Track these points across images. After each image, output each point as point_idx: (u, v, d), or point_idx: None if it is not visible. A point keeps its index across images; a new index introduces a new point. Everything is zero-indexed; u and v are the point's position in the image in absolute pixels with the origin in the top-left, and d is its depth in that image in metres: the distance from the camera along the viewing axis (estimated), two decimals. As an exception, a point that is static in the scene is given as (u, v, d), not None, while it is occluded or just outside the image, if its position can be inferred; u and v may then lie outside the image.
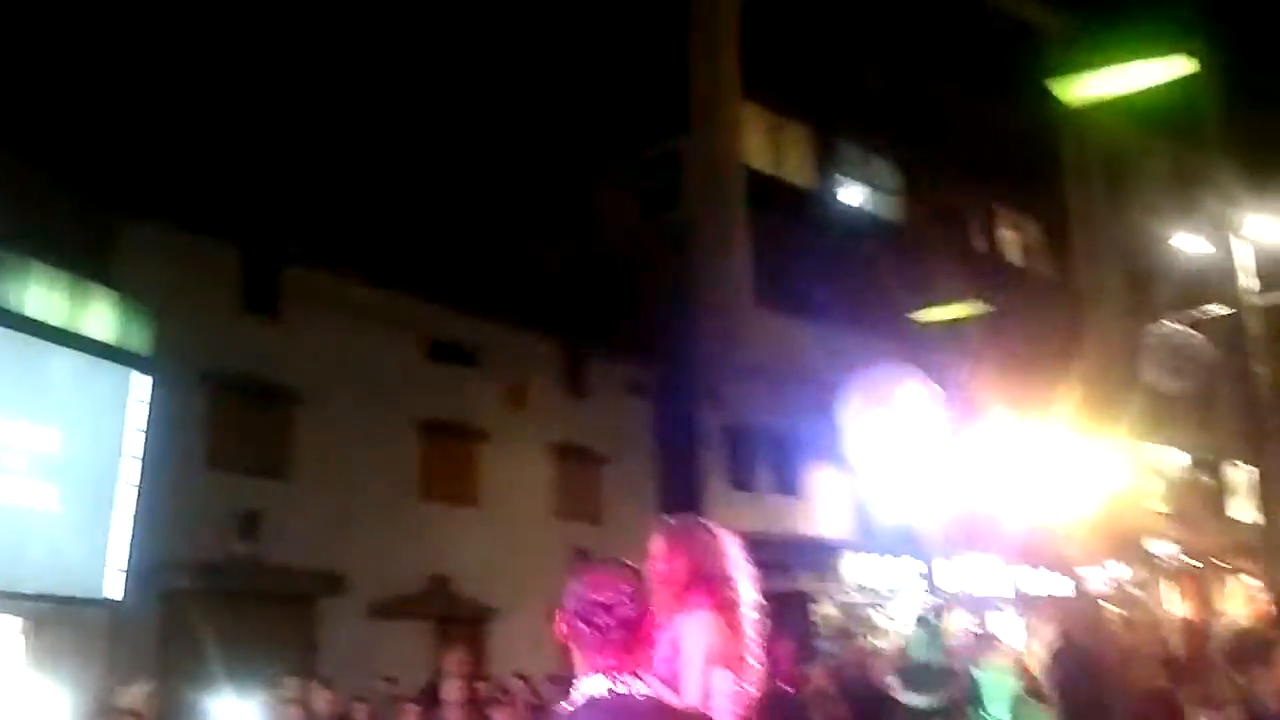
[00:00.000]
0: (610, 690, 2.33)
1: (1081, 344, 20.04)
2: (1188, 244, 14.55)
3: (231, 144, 14.68)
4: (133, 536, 11.54)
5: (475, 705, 10.45)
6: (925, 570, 21.74)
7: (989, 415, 10.18)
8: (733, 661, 3.54)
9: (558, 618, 2.49)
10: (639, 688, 2.35)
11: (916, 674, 6.25)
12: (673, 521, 3.91)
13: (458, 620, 16.21)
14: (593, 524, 18.61)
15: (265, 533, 14.21)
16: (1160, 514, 24.70)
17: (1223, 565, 28.58)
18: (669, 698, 2.50)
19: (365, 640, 14.31)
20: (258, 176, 14.69)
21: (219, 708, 8.14)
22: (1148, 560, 23.94)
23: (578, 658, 2.42)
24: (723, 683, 3.49)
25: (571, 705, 2.38)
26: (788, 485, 21.76)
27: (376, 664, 13.10)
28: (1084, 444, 18.82)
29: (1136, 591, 18.43)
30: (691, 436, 19.47)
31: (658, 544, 3.76)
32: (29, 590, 10.74)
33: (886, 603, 21.95)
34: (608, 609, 2.38)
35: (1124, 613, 16.58)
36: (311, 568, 14.48)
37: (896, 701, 6.03)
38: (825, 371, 19.21)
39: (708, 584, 3.67)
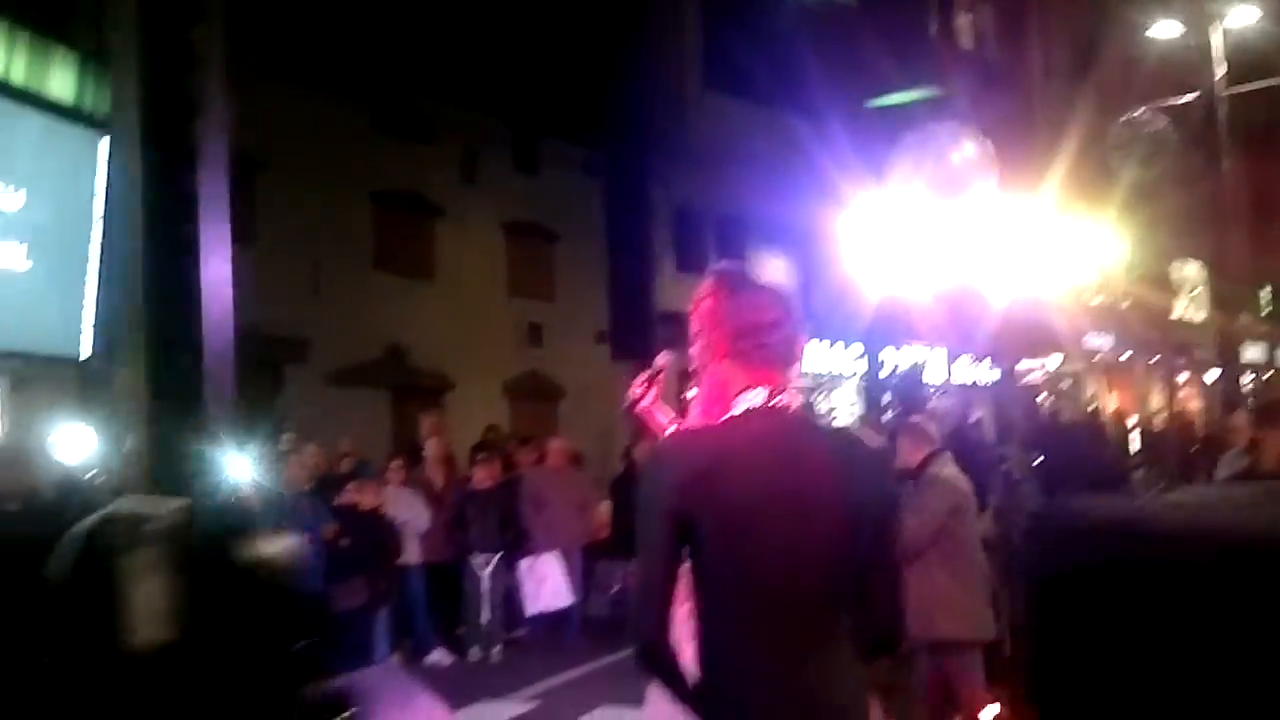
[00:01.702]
0: (767, 402, 2.42)
1: (1036, 133, 20.28)
2: (1163, 31, 14.67)
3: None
4: (101, 296, 11.63)
5: (451, 462, 10.99)
6: (866, 356, 22.53)
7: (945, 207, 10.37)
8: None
9: (700, 339, 2.65)
10: (793, 402, 2.46)
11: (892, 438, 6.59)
12: (722, 266, 4.11)
13: (415, 390, 16.62)
14: (545, 300, 18.95)
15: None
16: (1100, 307, 25.48)
17: (1160, 363, 29.77)
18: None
19: (327, 407, 14.63)
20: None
21: (220, 457, 8.42)
22: (1083, 355, 24.85)
23: (716, 381, 2.54)
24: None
25: (724, 417, 2.47)
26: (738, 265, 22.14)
27: (338, 430, 13.53)
28: (1038, 236, 19.30)
29: (1068, 384, 19.19)
30: (641, 217, 19.62)
31: (707, 285, 3.93)
32: (2, 348, 10.88)
33: (831, 389, 22.76)
34: (772, 326, 2.46)
35: (1055, 402, 17.34)
36: (276, 334, 14.64)
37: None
38: (774, 156, 19.47)
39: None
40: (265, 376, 14.81)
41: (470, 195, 17.70)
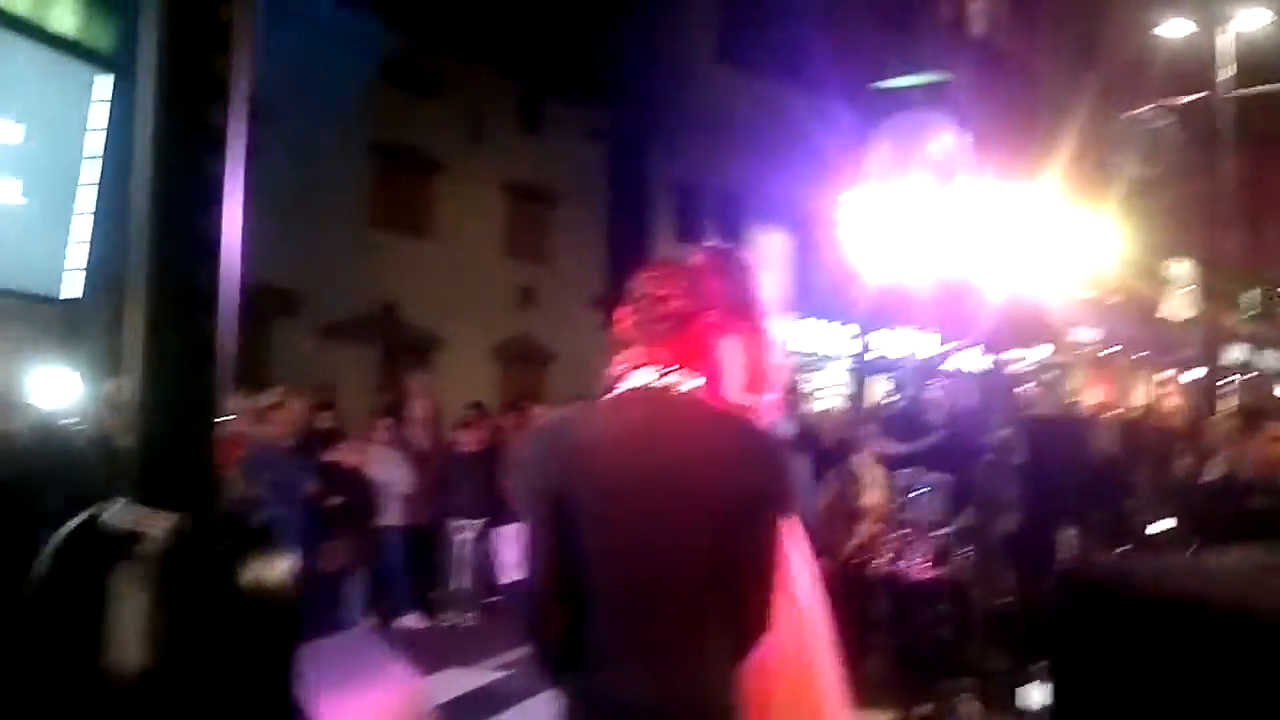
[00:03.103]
0: (652, 381, 2.34)
1: (1043, 126, 20.18)
2: (1173, 30, 14.61)
3: None
4: (93, 236, 11.54)
5: (437, 424, 10.93)
6: (859, 338, 22.52)
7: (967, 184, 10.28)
8: (764, 386, 3.72)
9: (618, 316, 2.53)
10: (683, 383, 2.35)
11: (895, 423, 6.61)
12: (714, 245, 4.05)
13: (405, 347, 16.54)
14: (541, 264, 18.86)
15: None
16: (1090, 301, 25.48)
17: (1144, 360, 29.85)
18: (710, 398, 2.53)
19: (316, 360, 14.55)
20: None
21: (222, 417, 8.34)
22: (1070, 347, 24.86)
23: (636, 354, 2.42)
24: (754, 398, 3.67)
25: (613, 395, 2.39)
26: (733, 242, 22.07)
27: (326, 385, 13.44)
28: (1037, 229, 19.21)
29: (1053, 375, 19.18)
30: (643, 186, 19.54)
31: (699, 260, 3.86)
32: (-12, 283, 10.80)
33: (818, 367, 22.72)
34: (663, 300, 2.37)
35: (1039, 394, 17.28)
36: (266, 284, 14.52)
37: (875, 452, 6.37)
38: (779, 133, 19.34)
39: (747, 311, 3.81)
40: (254, 328, 14.71)
41: (472, 153, 17.54)
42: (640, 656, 2.24)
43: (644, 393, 2.35)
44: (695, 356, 2.40)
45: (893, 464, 6.16)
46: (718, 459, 2.28)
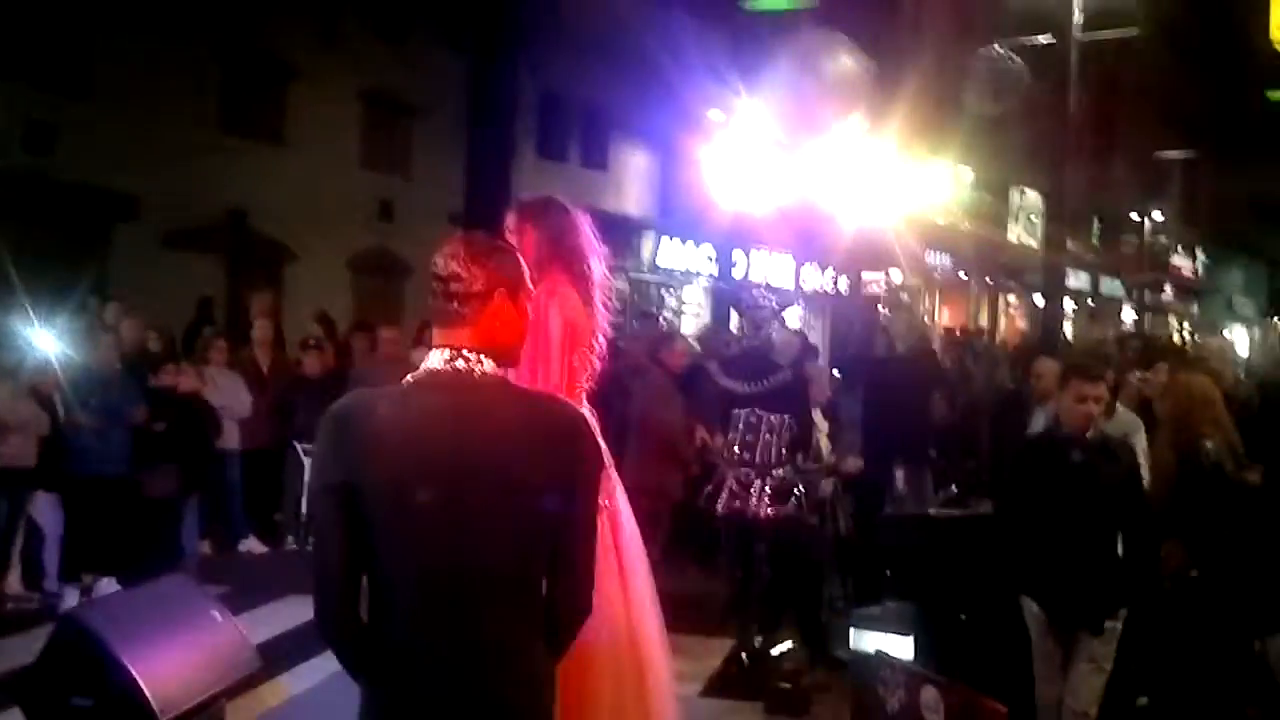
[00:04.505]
0: (448, 365, 2.24)
1: (906, 59, 20.31)
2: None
3: None
4: None
5: (280, 345, 10.62)
6: (718, 257, 22.62)
7: (813, 119, 10.20)
8: (587, 339, 3.63)
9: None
10: (484, 365, 2.25)
11: (737, 361, 6.59)
12: (526, 198, 3.93)
13: (254, 258, 16.00)
14: (400, 177, 18.40)
15: (57, 149, 13.46)
16: (941, 227, 26.04)
17: (994, 283, 30.75)
18: (514, 380, 2.41)
19: (158, 270, 13.99)
20: None
21: (22, 331, 7.95)
22: (924, 271, 25.43)
23: (435, 335, 2.32)
24: (580, 360, 3.58)
25: (409, 380, 2.28)
26: (597, 160, 21.88)
27: (169, 295, 12.95)
28: (896, 156, 19.55)
29: (906, 298, 19.59)
30: (506, 99, 19.10)
31: (511, 219, 3.75)
32: None
33: (680, 286, 22.80)
34: (445, 281, 2.26)
35: (892, 315, 17.69)
36: (105, 188, 13.88)
37: (716, 384, 6.36)
38: (646, 50, 19.08)
39: (565, 260, 3.69)
40: (92, 234, 14.06)
41: (328, 59, 16.92)
42: (446, 658, 2.14)
43: (436, 377, 2.24)
44: (495, 334, 2.28)
45: (735, 403, 6.15)
46: (513, 441, 2.18)
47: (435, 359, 2.26)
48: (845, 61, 9.91)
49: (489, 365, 2.25)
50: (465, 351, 2.25)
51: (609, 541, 3.40)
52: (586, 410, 3.55)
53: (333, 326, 11.89)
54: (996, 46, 13.21)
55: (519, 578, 2.18)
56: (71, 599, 7.42)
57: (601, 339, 3.69)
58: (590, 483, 2.30)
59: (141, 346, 8.86)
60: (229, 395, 9.13)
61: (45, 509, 7.71)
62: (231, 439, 9.18)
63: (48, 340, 8.00)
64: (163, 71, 14.38)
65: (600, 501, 2.84)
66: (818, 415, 7.34)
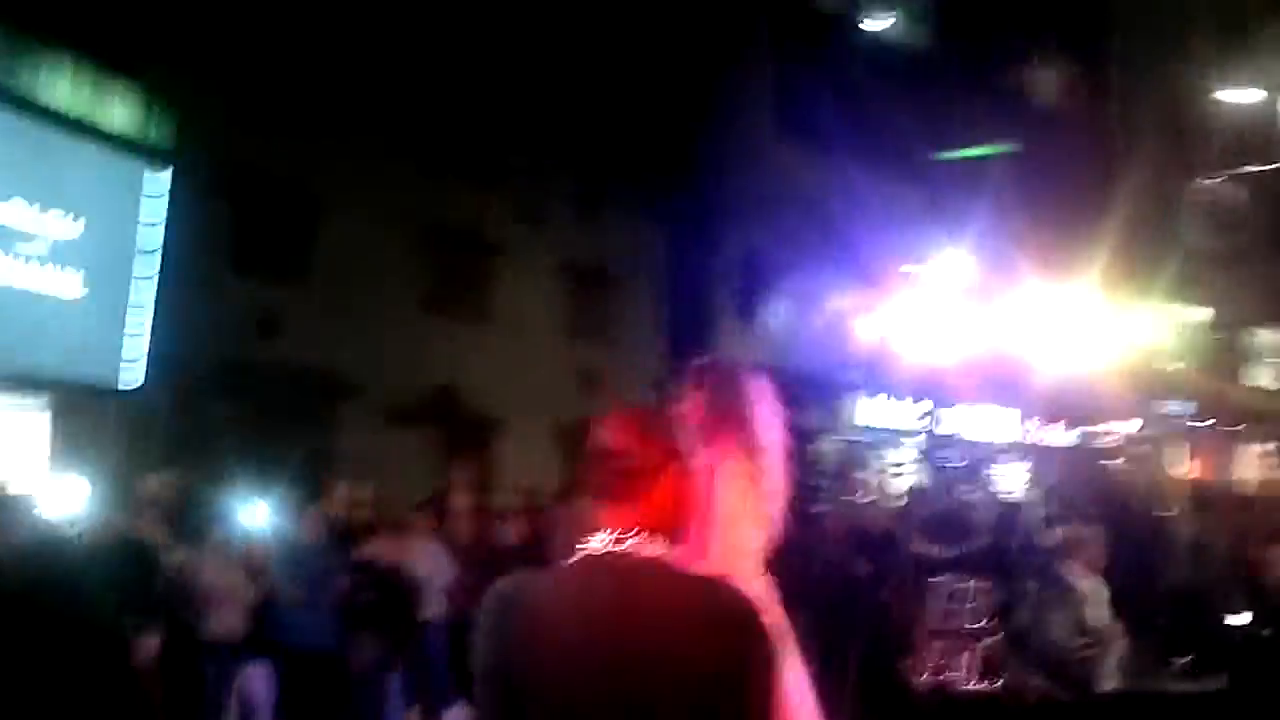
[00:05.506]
0: (613, 546, 2.11)
1: (1112, 196, 19.76)
2: (1236, 97, 14.23)
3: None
4: (151, 330, 11.70)
5: (482, 516, 10.78)
6: (931, 415, 22.04)
7: (1013, 265, 9.93)
8: (757, 512, 3.47)
9: (580, 470, 2.29)
10: (647, 549, 2.12)
11: (935, 524, 6.29)
12: (698, 360, 3.82)
13: (465, 431, 16.48)
14: (603, 346, 18.74)
15: (283, 335, 14.32)
16: (1176, 374, 24.71)
17: (1236, 430, 28.81)
18: (682, 559, 2.24)
19: (377, 446, 14.53)
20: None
21: (238, 505, 8.32)
22: (1160, 420, 24.10)
23: (598, 514, 2.19)
24: (750, 533, 3.42)
25: (573, 560, 2.15)
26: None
27: (386, 472, 13.38)
28: (1107, 299, 18.81)
29: (1144, 449, 18.52)
30: (703, 264, 19.42)
31: (683, 385, 3.66)
32: (49, 376, 10.95)
33: (889, 448, 22.22)
34: (616, 457, 2.15)
35: (1130, 469, 16.76)
36: (326, 371, 14.64)
37: (912, 553, 6.08)
38: (843, 206, 19.15)
39: (734, 426, 3.57)
40: (319, 415, 14.79)
41: (530, 236, 17.58)
42: None
43: (598, 560, 2.12)
44: (663, 514, 2.16)
45: (932, 568, 5.84)
46: (678, 630, 2.03)
47: (598, 539, 2.14)
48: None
49: (652, 547, 2.13)
50: (632, 532, 2.13)
51: None
52: (762, 585, 3.39)
53: (534, 497, 12.01)
54: (1217, 178, 12.61)
55: None
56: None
57: (779, 508, 3.53)
58: (762, 676, 2.10)
59: (350, 519, 9.11)
60: (431, 565, 9.25)
61: (256, 679, 7.88)
62: (434, 609, 9.26)
63: (263, 514, 8.34)
64: (373, 253, 15.20)
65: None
66: (1095, 582, 6.54)
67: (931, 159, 18.35)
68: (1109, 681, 6.27)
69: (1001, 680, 5.78)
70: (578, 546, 2.15)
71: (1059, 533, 7.11)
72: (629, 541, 2.11)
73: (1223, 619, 8.63)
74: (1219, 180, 12.58)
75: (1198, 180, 12.91)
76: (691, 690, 1.99)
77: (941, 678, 5.75)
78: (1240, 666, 4.75)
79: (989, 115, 20.81)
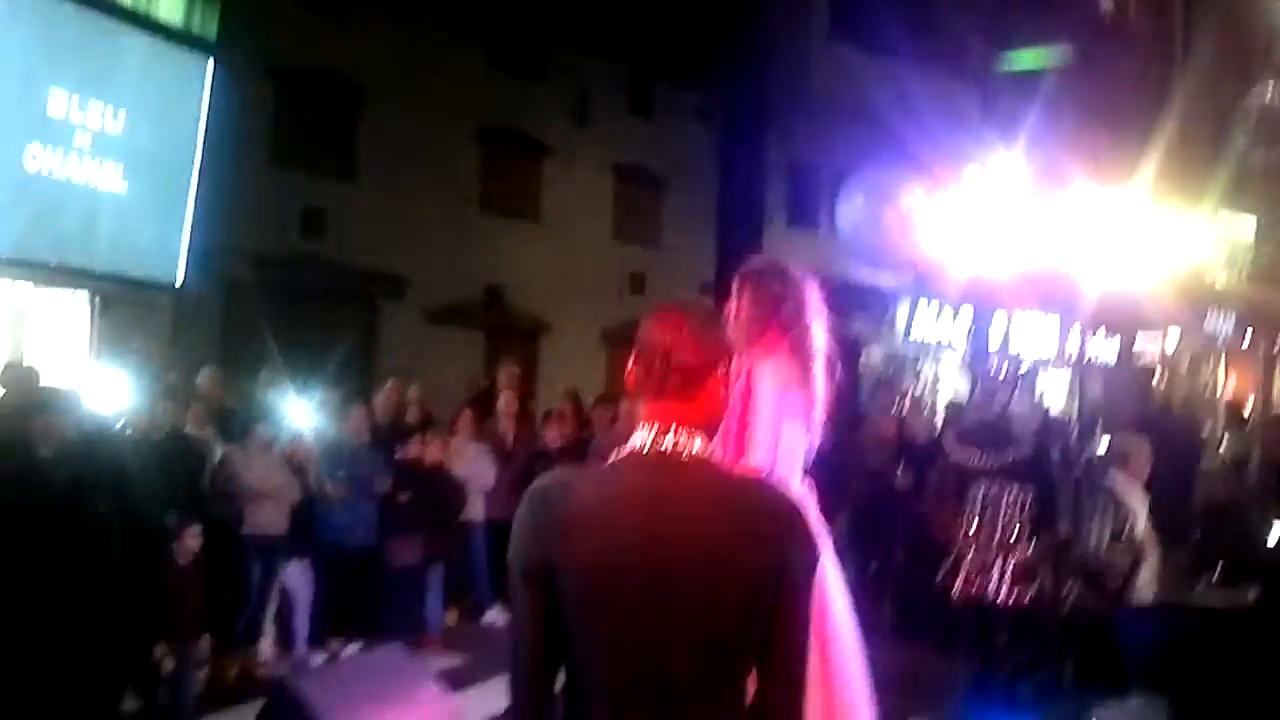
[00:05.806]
0: (656, 442, 2.08)
1: (1167, 103, 19.23)
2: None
3: None
4: (195, 224, 11.71)
5: (526, 417, 10.81)
6: (976, 325, 21.79)
7: (1065, 171, 9.68)
8: (803, 412, 3.46)
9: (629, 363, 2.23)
10: (691, 445, 2.08)
11: (976, 433, 6.23)
12: (750, 262, 3.77)
13: (511, 332, 16.52)
14: (650, 249, 18.65)
15: (327, 230, 14.33)
16: (1223, 287, 24.25)
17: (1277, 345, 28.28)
18: (726, 458, 2.27)
19: (420, 345, 14.61)
20: None
21: (280, 401, 8.39)
22: (1202, 334, 23.71)
23: (639, 406, 2.15)
24: (792, 435, 3.40)
25: (615, 457, 2.11)
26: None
27: (430, 369, 13.46)
28: (1158, 207, 18.33)
29: (1187, 363, 18.24)
30: (754, 168, 19.13)
31: (734, 285, 3.64)
32: (99, 269, 11.01)
33: (934, 358, 22.04)
34: (666, 353, 2.11)
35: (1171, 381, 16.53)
36: (372, 269, 14.67)
37: (952, 462, 6.03)
38: (896, 111, 18.75)
39: (782, 327, 3.54)
40: (362, 313, 14.86)
41: (580, 136, 17.42)
42: None
43: (642, 458, 2.08)
44: (710, 413, 2.13)
45: (972, 477, 5.79)
46: (719, 529, 2.01)
47: (642, 435, 2.11)
48: None
49: (698, 444, 2.10)
50: (676, 428, 2.10)
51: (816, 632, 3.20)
52: (803, 485, 3.38)
53: (578, 399, 12.03)
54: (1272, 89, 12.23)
55: (723, 674, 2.01)
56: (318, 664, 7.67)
57: (822, 414, 3.51)
58: (801, 576, 2.08)
59: (394, 419, 9.17)
60: (474, 467, 9.32)
61: (296, 576, 8.01)
62: (476, 510, 9.35)
63: (307, 412, 8.40)
64: (421, 153, 15.11)
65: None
66: (1138, 492, 6.49)
67: (987, 63, 17.88)
68: (1145, 592, 6.26)
69: (1037, 589, 5.76)
70: (621, 445, 2.13)
71: (1108, 441, 7.04)
72: (673, 438, 2.08)
73: (1258, 533, 8.56)
74: (1274, 90, 12.16)
75: (1253, 90, 12.48)
76: (731, 587, 1.98)
77: (978, 586, 5.73)
78: (1273, 582, 4.67)
79: (1047, 17, 20.22)
